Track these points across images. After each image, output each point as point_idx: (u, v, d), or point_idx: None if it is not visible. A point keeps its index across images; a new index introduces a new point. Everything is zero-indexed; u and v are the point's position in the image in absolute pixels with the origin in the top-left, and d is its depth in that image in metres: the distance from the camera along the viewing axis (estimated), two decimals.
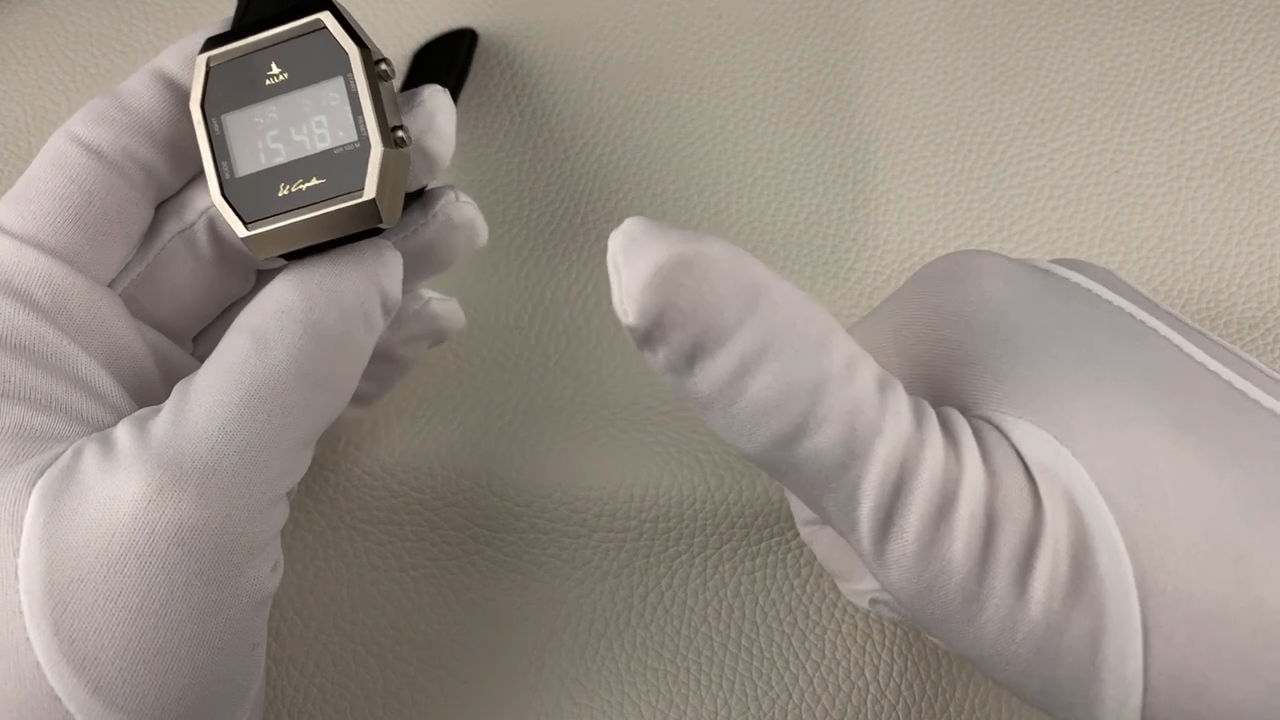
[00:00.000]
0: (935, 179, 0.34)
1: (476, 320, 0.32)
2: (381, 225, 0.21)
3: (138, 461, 0.19)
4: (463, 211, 0.25)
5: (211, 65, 0.22)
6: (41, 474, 0.20)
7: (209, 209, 0.24)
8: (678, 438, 0.30)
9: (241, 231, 0.22)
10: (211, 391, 0.20)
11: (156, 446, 0.19)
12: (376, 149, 0.21)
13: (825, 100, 0.35)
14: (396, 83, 0.29)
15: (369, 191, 0.21)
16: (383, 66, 0.22)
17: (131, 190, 0.23)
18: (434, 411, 0.31)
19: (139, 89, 0.23)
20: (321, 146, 0.22)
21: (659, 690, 0.27)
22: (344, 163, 0.21)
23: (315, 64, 0.22)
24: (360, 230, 0.22)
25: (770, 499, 0.29)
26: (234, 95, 0.22)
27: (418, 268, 0.25)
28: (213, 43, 0.23)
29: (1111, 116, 0.34)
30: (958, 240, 0.33)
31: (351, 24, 0.22)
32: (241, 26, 0.23)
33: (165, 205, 0.24)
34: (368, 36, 0.22)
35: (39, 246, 0.22)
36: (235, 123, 0.22)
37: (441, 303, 0.28)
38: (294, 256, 0.22)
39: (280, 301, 0.21)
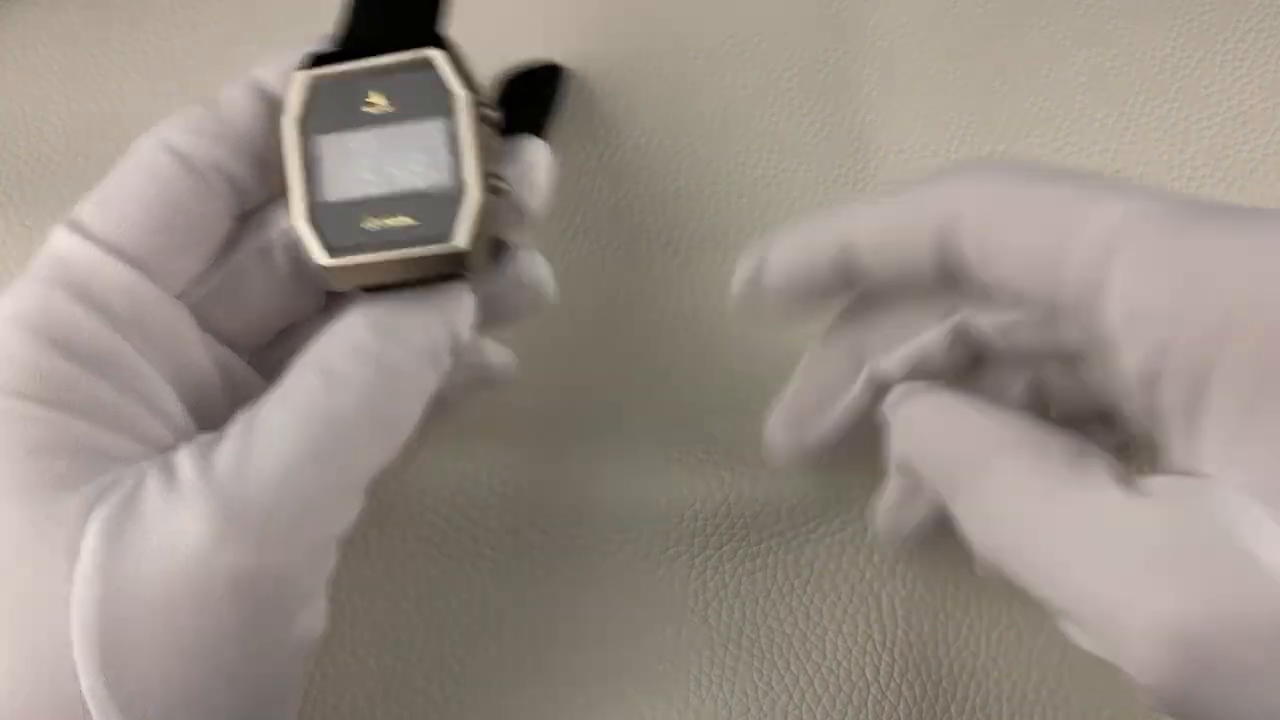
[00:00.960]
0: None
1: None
2: (465, 274, 0.21)
3: (200, 500, 0.19)
4: (536, 270, 0.24)
5: (312, 84, 0.22)
6: (101, 498, 0.19)
7: (289, 227, 0.23)
8: (678, 439, 0.30)
9: (324, 260, 0.21)
10: (277, 432, 0.20)
11: (220, 486, 0.19)
12: (473, 198, 0.21)
13: (825, 100, 0.35)
14: None
15: (461, 241, 0.21)
16: (488, 111, 0.21)
17: (217, 203, 0.22)
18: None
19: (238, 101, 0.23)
20: (416, 185, 0.21)
21: (657, 690, 0.27)
22: (437, 206, 0.21)
23: (420, 100, 0.21)
24: (444, 275, 0.21)
25: (769, 500, 0.29)
26: (332, 118, 0.21)
27: (481, 319, 0.24)
28: (315, 60, 0.22)
29: (1112, 116, 0.34)
30: None
31: (462, 62, 0.21)
32: (346, 47, 0.22)
33: (245, 218, 0.24)
34: (476, 76, 0.21)
35: (121, 254, 0.21)
36: (330, 146, 0.21)
37: (496, 351, 0.27)
38: (368, 290, 0.22)
39: (354, 339, 0.21)
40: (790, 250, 0.24)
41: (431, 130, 0.21)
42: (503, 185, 0.21)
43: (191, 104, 0.23)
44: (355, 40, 0.22)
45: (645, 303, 0.32)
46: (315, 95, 0.22)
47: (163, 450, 0.21)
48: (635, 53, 0.36)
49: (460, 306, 0.22)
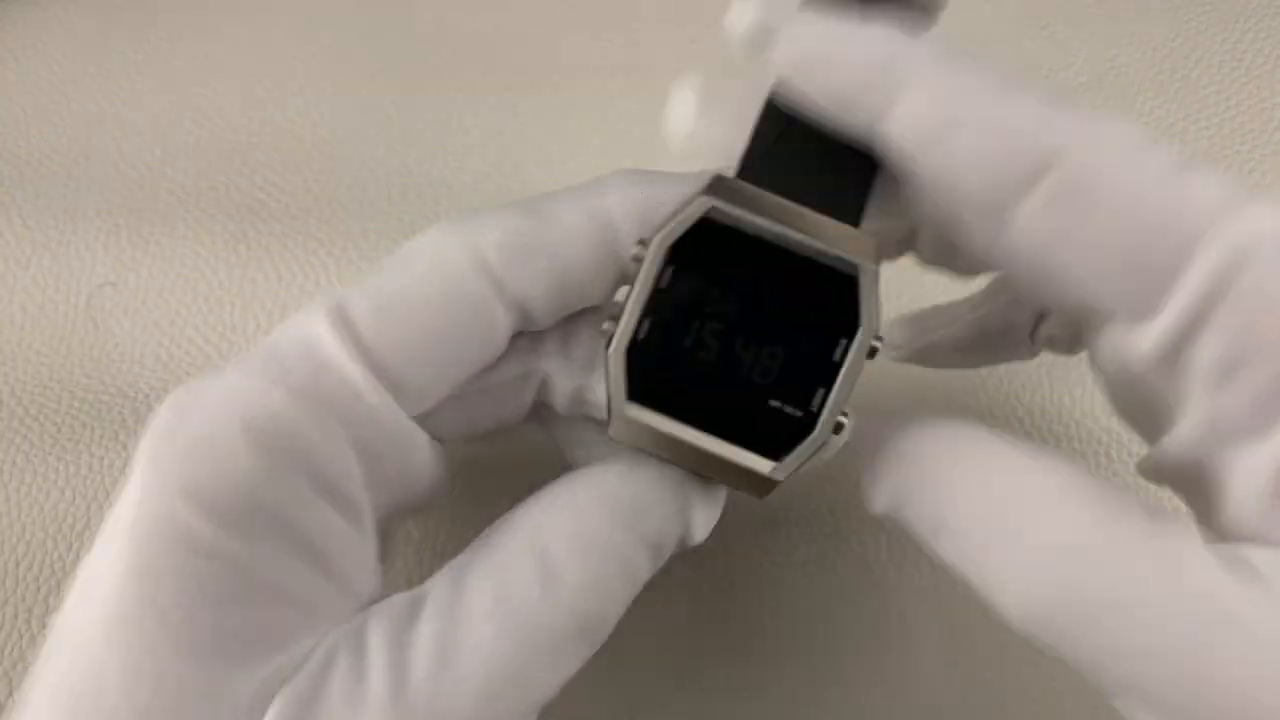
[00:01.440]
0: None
1: None
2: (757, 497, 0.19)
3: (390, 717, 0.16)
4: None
5: (707, 214, 0.18)
6: (283, 682, 0.16)
7: (547, 368, 0.20)
8: None
9: (619, 403, 0.18)
10: (484, 645, 0.16)
11: (412, 708, 0.16)
12: (816, 437, 0.18)
13: None
14: None
15: (779, 474, 0.18)
16: (876, 344, 0.18)
17: (505, 332, 0.19)
18: None
19: (572, 228, 0.19)
20: (760, 382, 0.18)
21: (653, 694, 0.27)
22: (771, 422, 0.18)
23: (818, 303, 0.18)
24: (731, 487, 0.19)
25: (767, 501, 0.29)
26: (715, 264, 0.18)
27: None
28: (722, 187, 0.18)
29: None
30: None
31: (877, 284, 0.18)
32: (757, 173, 0.19)
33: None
34: (879, 308, 0.18)
35: (384, 375, 0.18)
36: (689, 292, 0.18)
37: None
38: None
39: (584, 525, 0.18)
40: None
41: (812, 340, 0.18)
42: (844, 423, 0.18)
43: (519, 208, 0.19)
44: (769, 171, 0.19)
45: None
46: (707, 228, 0.18)
47: (353, 610, 0.18)
48: None
49: (707, 505, 0.19)
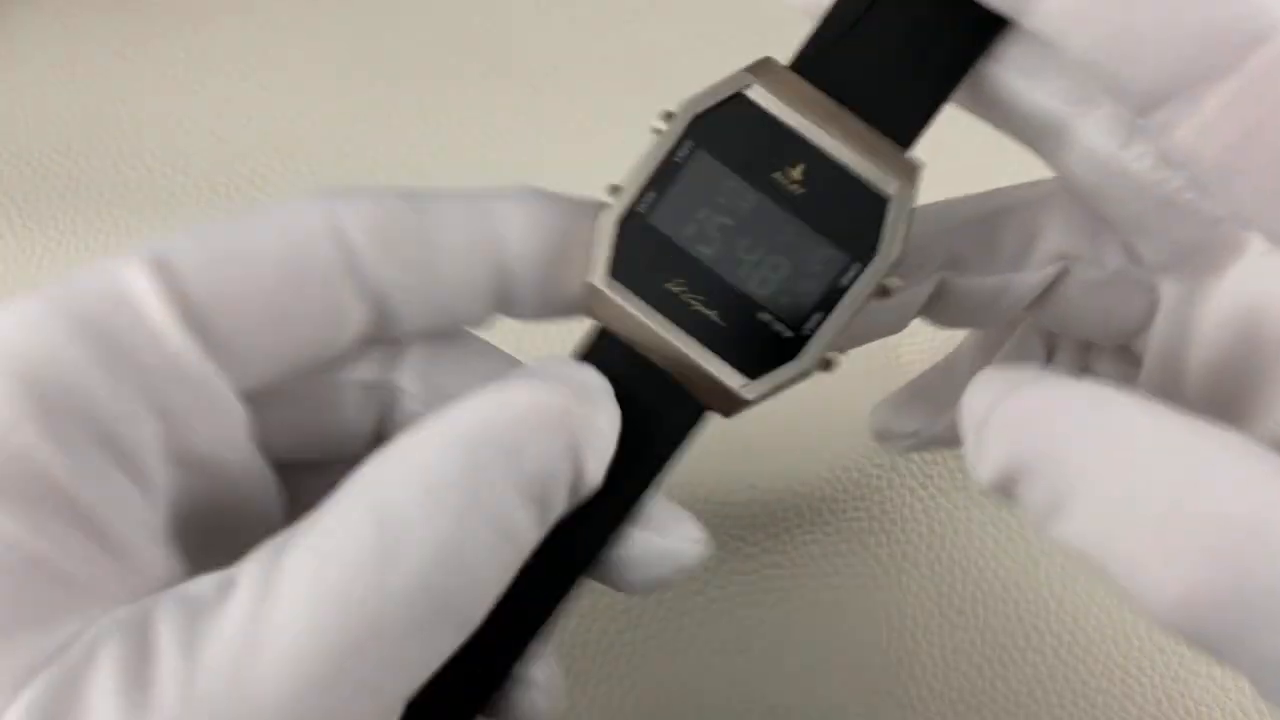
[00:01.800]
0: (937, 177, 0.33)
1: None
2: (715, 414, 0.17)
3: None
4: (684, 552, 0.18)
5: (746, 94, 0.17)
6: (35, 673, 0.13)
7: (401, 383, 0.18)
8: None
9: (598, 277, 0.17)
10: (295, 621, 0.13)
11: (206, 704, 0.13)
12: (800, 365, 0.17)
13: None
14: None
15: (750, 393, 0.17)
16: (890, 284, 0.17)
17: (350, 319, 0.17)
18: None
19: (457, 231, 0.17)
20: (753, 291, 0.17)
21: (654, 693, 0.27)
22: (758, 338, 0.17)
23: (839, 219, 0.16)
24: (683, 411, 0.17)
25: (767, 502, 0.29)
26: (737, 149, 0.17)
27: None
28: (767, 69, 0.17)
29: None
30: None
31: (911, 215, 0.17)
32: (818, 67, 0.17)
33: (369, 342, 0.18)
34: (906, 243, 0.17)
35: (196, 322, 0.16)
36: (703, 173, 0.17)
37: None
38: (595, 355, 0.17)
39: (434, 474, 0.14)
40: None
41: (823, 258, 0.16)
42: (833, 360, 0.17)
43: (402, 192, 0.17)
44: (830, 62, 0.17)
45: None
46: (741, 109, 0.17)
47: (137, 594, 0.15)
48: None
49: (596, 430, 0.16)
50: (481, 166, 0.35)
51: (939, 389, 0.24)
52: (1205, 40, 0.14)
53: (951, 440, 0.23)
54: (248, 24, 0.38)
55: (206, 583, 0.14)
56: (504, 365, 0.18)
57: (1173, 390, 0.19)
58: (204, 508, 0.17)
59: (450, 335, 0.18)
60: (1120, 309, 0.20)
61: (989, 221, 0.20)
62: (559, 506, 0.16)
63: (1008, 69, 0.17)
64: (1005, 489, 0.15)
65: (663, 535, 0.18)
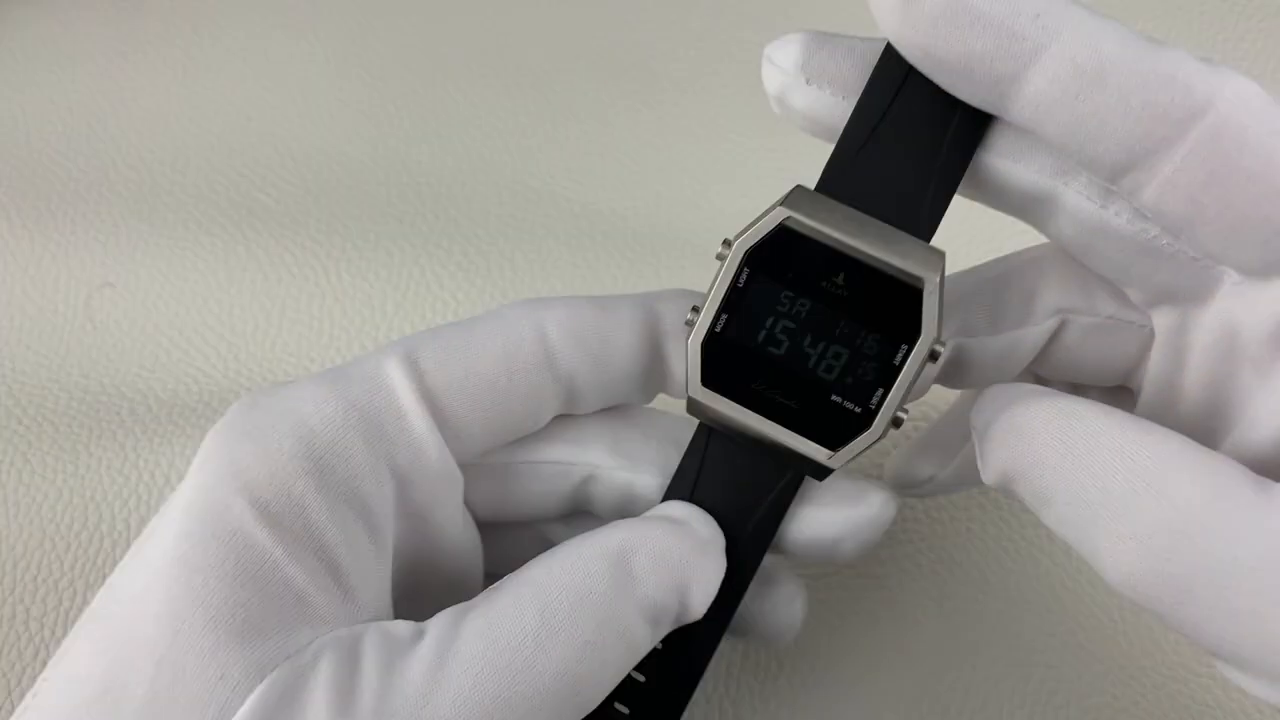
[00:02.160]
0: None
1: None
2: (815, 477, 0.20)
3: None
4: (796, 608, 0.22)
5: (785, 224, 0.19)
6: (275, 665, 0.17)
7: (593, 461, 0.22)
8: None
9: (695, 387, 0.20)
10: (467, 690, 0.17)
11: (393, 718, 0.17)
12: (871, 433, 0.19)
13: None
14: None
15: (835, 463, 0.20)
16: (938, 349, 0.19)
17: (551, 405, 0.21)
18: None
19: (625, 324, 0.21)
20: (822, 377, 0.20)
21: None
22: (831, 415, 0.20)
23: (882, 310, 0.19)
24: (784, 481, 0.20)
25: None
26: (786, 270, 0.20)
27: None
28: (800, 198, 0.20)
29: None
30: (956, 240, 0.33)
31: (943, 294, 0.19)
32: (839, 187, 0.20)
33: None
34: (943, 311, 0.19)
35: (437, 411, 0.20)
36: (763, 293, 0.20)
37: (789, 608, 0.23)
38: (711, 462, 0.21)
39: (582, 576, 0.18)
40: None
41: (876, 344, 0.19)
42: (903, 418, 0.19)
43: (589, 299, 0.21)
44: (851, 179, 0.20)
45: None
46: (783, 237, 0.20)
47: (353, 622, 0.18)
48: None
49: (704, 564, 0.19)
50: (481, 166, 0.35)
51: (948, 438, 0.26)
52: (1152, 119, 0.17)
53: (964, 483, 0.26)
54: (248, 24, 0.38)
55: (404, 627, 0.18)
56: (673, 427, 0.22)
57: (1168, 413, 0.21)
58: (416, 560, 0.21)
59: (625, 409, 0.23)
60: (1116, 350, 0.22)
61: (992, 288, 0.22)
62: (667, 627, 0.19)
63: (998, 155, 0.20)
64: (1005, 488, 0.19)
65: (858, 508, 0.21)
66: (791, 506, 0.21)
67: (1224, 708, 0.27)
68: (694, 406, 0.20)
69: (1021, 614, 0.28)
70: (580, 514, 0.23)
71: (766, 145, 0.35)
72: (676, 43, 0.37)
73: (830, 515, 0.21)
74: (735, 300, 0.20)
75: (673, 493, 0.21)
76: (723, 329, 0.20)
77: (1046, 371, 0.23)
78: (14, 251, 0.33)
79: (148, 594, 0.17)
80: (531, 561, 0.19)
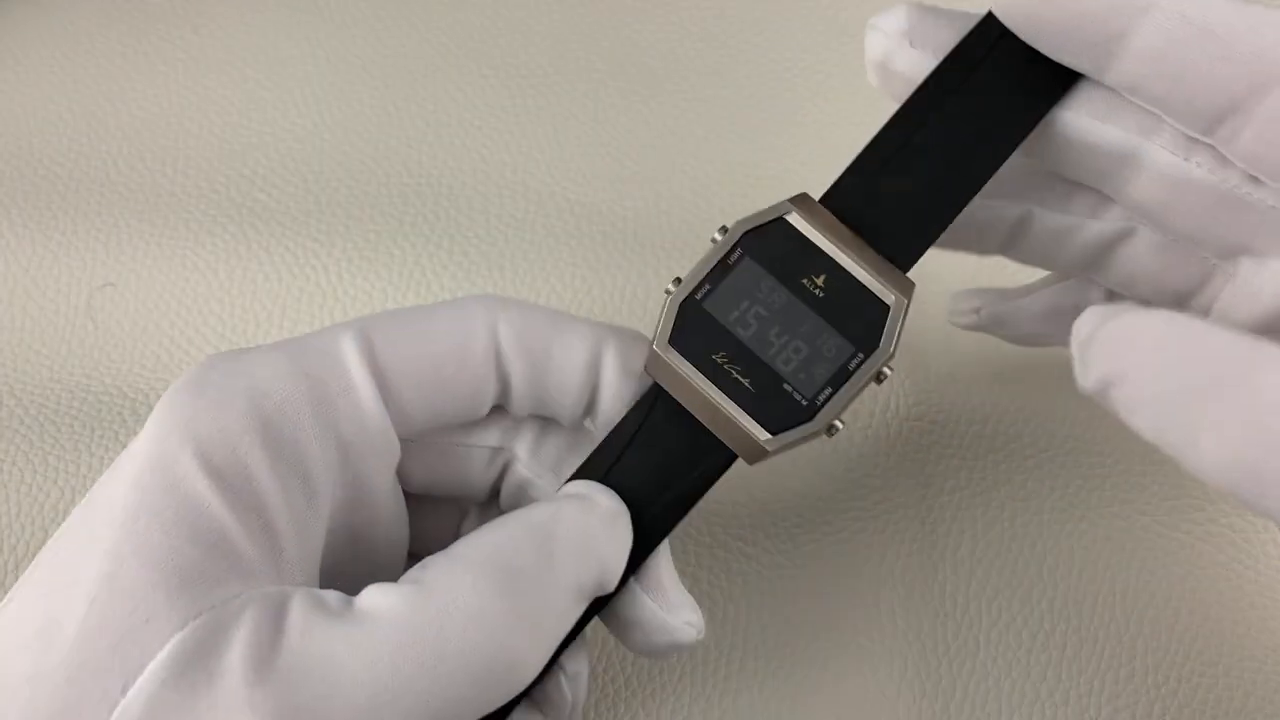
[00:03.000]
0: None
1: None
2: (742, 460, 0.21)
3: (267, 699, 0.17)
4: (688, 620, 0.22)
5: (786, 219, 0.21)
6: (194, 618, 0.17)
7: (517, 450, 0.23)
8: None
9: (659, 344, 0.21)
10: (383, 658, 0.18)
11: (309, 676, 0.17)
12: (811, 426, 0.21)
13: (825, 98, 0.35)
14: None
15: (771, 445, 0.21)
16: (886, 371, 0.21)
17: (489, 393, 0.22)
18: None
19: (571, 342, 0.22)
20: (779, 367, 0.21)
21: (654, 691, 0.27)
22: (779, 402, 0.21)
23: (851, 318, 0.21)
24: (715, 456, 0.21)
25: (767, 503, 0.29)
26: (773, 256, 0.21)
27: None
28: (805, 203, 0.21)
29: None
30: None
31: (905, 318, 0.21)
32: (841, 201, 0.21)
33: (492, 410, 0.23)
34: (898, 342, 0.21)
35: (385, 387, 0.20)
36: (748, 273, 0.21)
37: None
38: (651, 423, 0.22)
39: (509, 556, 0.19)
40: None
41: (835, 344, 0.21)
42: (838, 428, 0.21)
43: (549, 310, 0.22)
44: (852, 204, 0.21)
45: None
46: (780, 230, 0.21)
47: (282, 583, 0.19)
48: None
49: (615, 541, 0.21)
50: (481, 166, 0.35)
51: (1003, 292, 0.28)
52: (1249, 67, 0.19)
53: (998, 327, 0.28)
54: (248, 24, 0.38)
55: (333, 595, 0.19)
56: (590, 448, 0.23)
57: None
58: (348, 529, 0.21)
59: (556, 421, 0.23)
60: (1177, 270, 0.23)
61: (1080, 175, 0.23)
62: (588, 600, 0.20)
63: (1087, 116, 0.21)
64: (1101, 394, 0.20)
65: (668, 611, 0.22)
66: (628, 584, 0.22)
67: (1225, 706, 0.27)
68: (654, 362, 0.21)
69: (1020, 610, 0.28)
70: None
71: (766, 146, 0.35)
72: (676, 43, 0.37)
73: (646, 603, 0.22)
74: (720, 275, 0.21)
75: (598, 455, 0.22)
76: (702, 298, 0.21)
77: (1112, 284, 0.25)
78: (14, 251, 0.33)
79: (91, 537, 0.18)
80: (460, 540, 0.20)
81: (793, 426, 0.21)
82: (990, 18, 0.21)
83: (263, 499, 0.19)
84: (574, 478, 0.22)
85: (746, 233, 0.21)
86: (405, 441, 0.22)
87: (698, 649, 0.27)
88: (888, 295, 0.21)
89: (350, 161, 0.35)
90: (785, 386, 0.21)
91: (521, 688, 0.19)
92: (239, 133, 0.36)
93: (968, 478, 0.30)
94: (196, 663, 0.17)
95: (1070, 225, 0.24)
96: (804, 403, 0.21)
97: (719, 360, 0.21)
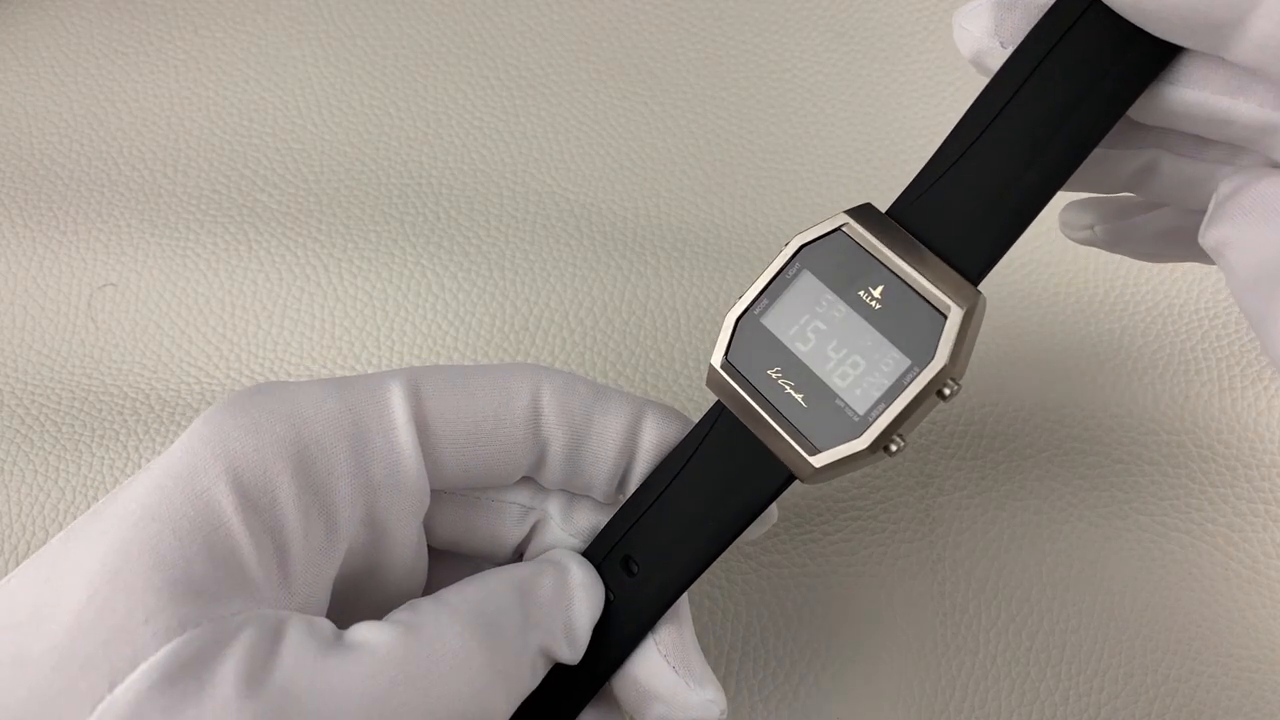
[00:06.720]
0: None
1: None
2: (797, 481, 0.20)
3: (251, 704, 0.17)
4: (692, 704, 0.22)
5: (845, 233, 0.20)
6: (192, 627, 0.17)
7: (550, 511, 0.23)
8: None
9: (716, 359, 0.21)
10: (369, 694, 0.18)
11: (298, 701, 0.17)
12: (859, 444, 0.19)
13: (824, 100, 0.35)
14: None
15: (816, 463, 0.20)
16: (947, 389, 0.19)
17: (527, 461, 0.22)
18: None
19: (611, 418, 0.22)
20: (833, 383, 0.20)
21: None
22: (831, 418, 0.20)
23: (908, 331, 0.20)
24: (770, 472, 0.21)
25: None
26: (831, 267, 0.20)
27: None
28: (865, 213, 0.21)
29: None
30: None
31: (969, 331, 0.20)
32: (905, 217, 0.20)
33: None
34: (964, 356, 0.20)
35: (425, 439, 0.21)
36: (807, 285, 0.21)
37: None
38: (711, 439, 0.21)
39: (491, 613, 0.20)
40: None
41: (892, 359, 0.20)
42: (894, 449, 0.20)
43: (594, 383, 0.22)
44: (916, 213, 0.20)
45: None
46: (837, 241, 0.20)
47: (284, 608, 0.19)
48: None
49: (578, 596, 0.21)
50: (481, 166, 0.35)
51: (1120, 205, 0.27)
52: None
53: (1114, 245, 0.27)
54: (248, 25, 0.38)
55: (329, 626, 0.19)
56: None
57: None
58: (363, 570, 0.21)
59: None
60: None
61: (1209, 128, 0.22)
62: (550, 663, 0.21)
63: (1207, 93, 0.20)
64: (1216, 253, 0.20)
65: (690, 685, 0.21)
66: (647, 647, 0.22)
67: (1223, 706, 0.27)
68: (713, 377, 0.21)
69: (1020, 610, 0.28)
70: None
71: (766, 146, 0.35)
72: (676, 43, 0.37)
73: (668, 673, 0.22)
74: (779, 288, 0.21)
75: (657, 475, 0.22)
76: (760, 312, 0.21)
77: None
78: (15, 251, 0.33)
79: (102, 530, 0.18)
80: (447, 588, 0.20)
81: (839, 444, 0.20)
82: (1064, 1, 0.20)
83: (282, 525, 0.19)
84: (635, 495, 0.22)
85: (804, 245, 0.21)
86: (437, 492, 0.22)
87: None
88: (946, 304, 0.19)
89: (350, 162, 0.35)
90: (838, 403, 0.20)
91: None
92: (239, 133, 0.36)
93: (968, 478, 0.30)
94: (190, 670, 0.17)
95: (1205, 173, 0.22)
96: (855, 419, 0.20)
97: (773, 375, 0.20)
